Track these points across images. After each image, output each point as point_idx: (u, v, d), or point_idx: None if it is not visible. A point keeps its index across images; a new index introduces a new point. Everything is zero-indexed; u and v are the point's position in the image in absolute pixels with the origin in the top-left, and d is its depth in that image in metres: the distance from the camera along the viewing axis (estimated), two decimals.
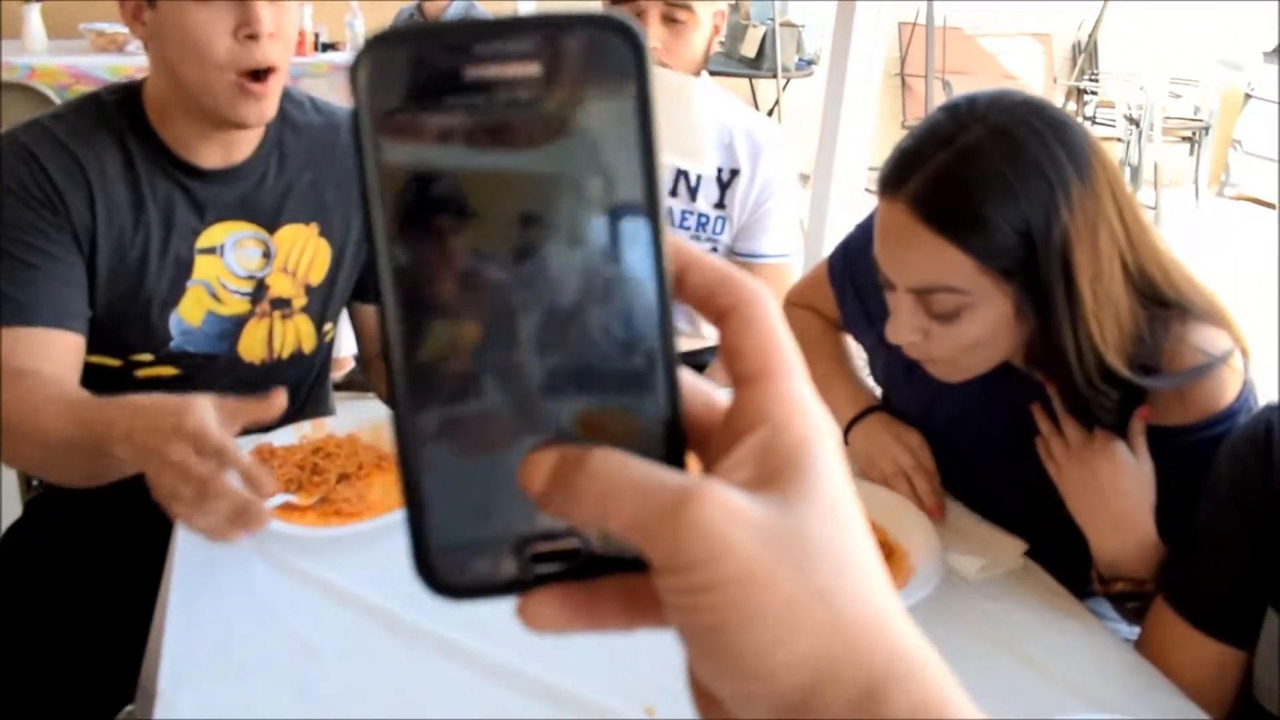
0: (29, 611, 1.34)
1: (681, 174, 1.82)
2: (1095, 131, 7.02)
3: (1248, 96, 8.00)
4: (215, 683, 0.92)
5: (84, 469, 1.14)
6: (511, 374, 0.31)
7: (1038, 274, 1.01)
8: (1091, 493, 1.08)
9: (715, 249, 1.86)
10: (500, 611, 0.93)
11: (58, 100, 3.58)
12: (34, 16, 4.14)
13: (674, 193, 1.84)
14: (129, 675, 1.28)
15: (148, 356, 1.38)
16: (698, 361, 1.94)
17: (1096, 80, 7.67)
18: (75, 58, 4.08)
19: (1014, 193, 0.99)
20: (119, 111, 1.32)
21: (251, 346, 1.43)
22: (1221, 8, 7.25)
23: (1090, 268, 1.01)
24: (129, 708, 1.36)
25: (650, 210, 0.31)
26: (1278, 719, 0.96)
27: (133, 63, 4.08)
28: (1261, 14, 7.03)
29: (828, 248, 2.81)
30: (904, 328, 1.08)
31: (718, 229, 1.85)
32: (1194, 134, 7.66)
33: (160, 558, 1.20)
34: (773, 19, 5.73)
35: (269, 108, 1.30)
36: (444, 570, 0.31)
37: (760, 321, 0.32)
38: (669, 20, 1.70)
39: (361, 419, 1.34)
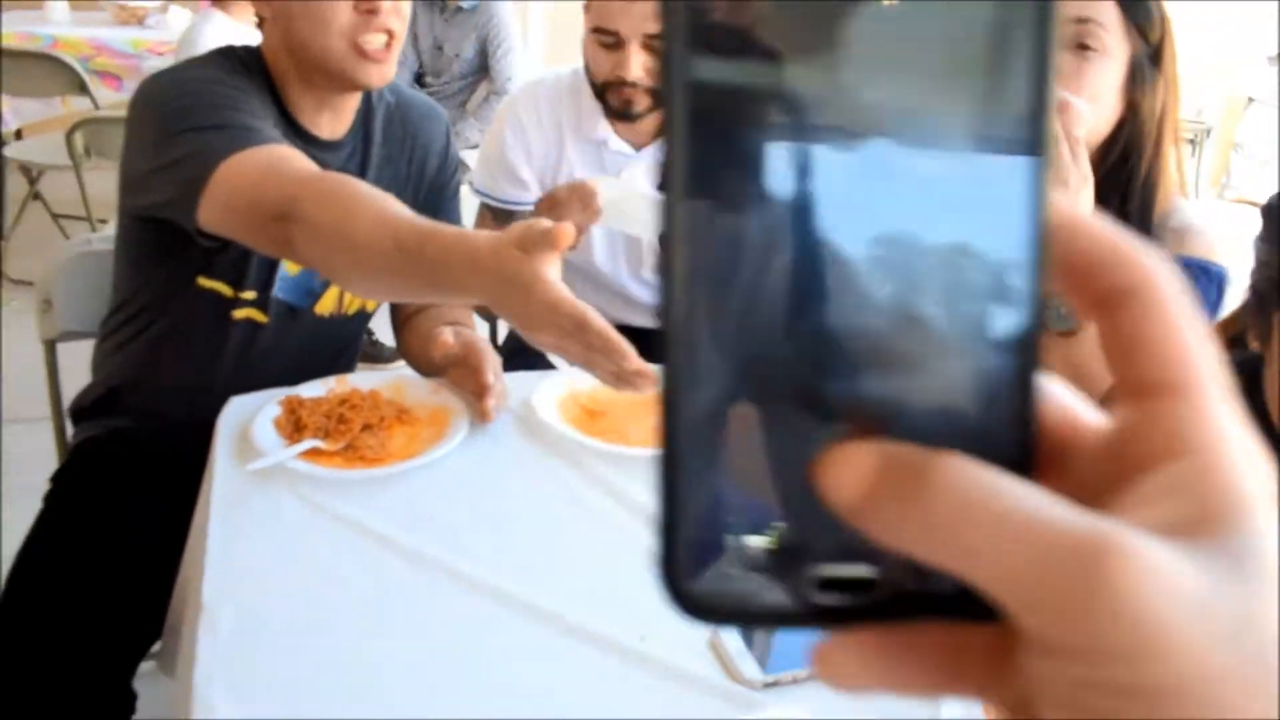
0: (67, 559, 1.43)
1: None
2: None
3: (1250, 100, 8.07)
4: (252, 599, 1.01)
5: (400, 287, 1.16)
6: (824, 337, 0.24)
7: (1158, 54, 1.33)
8: None
9: None
10: (503, 544, 1.05)
11: (83, 71, 3.67)
12: None
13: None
14: (158, 614, 1.39)
15: (252, 295, 1.50)
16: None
17: None
18: (97, 29, 4.16)
19: None
20: (256, 72, 1.45)
21: (327, 303, 1.57)
22: (1223, 9, 7.31)
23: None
24: (158, 645, 1.46)
25: (1036, 143, 0.24)
26: None
27: (153, 36, 4.17)
28: (1263, 17, 7.09)
29: None
30: None
31: None
32: (1196, 137, 7.75)
33: (184, 508, 1.31)
34: None
35: (390, 70, 1.42)
36: (696, 586, 0.25)
37: (1168, 314, 0.24)
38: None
39: (382, 379, 1.44)
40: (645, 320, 2.00)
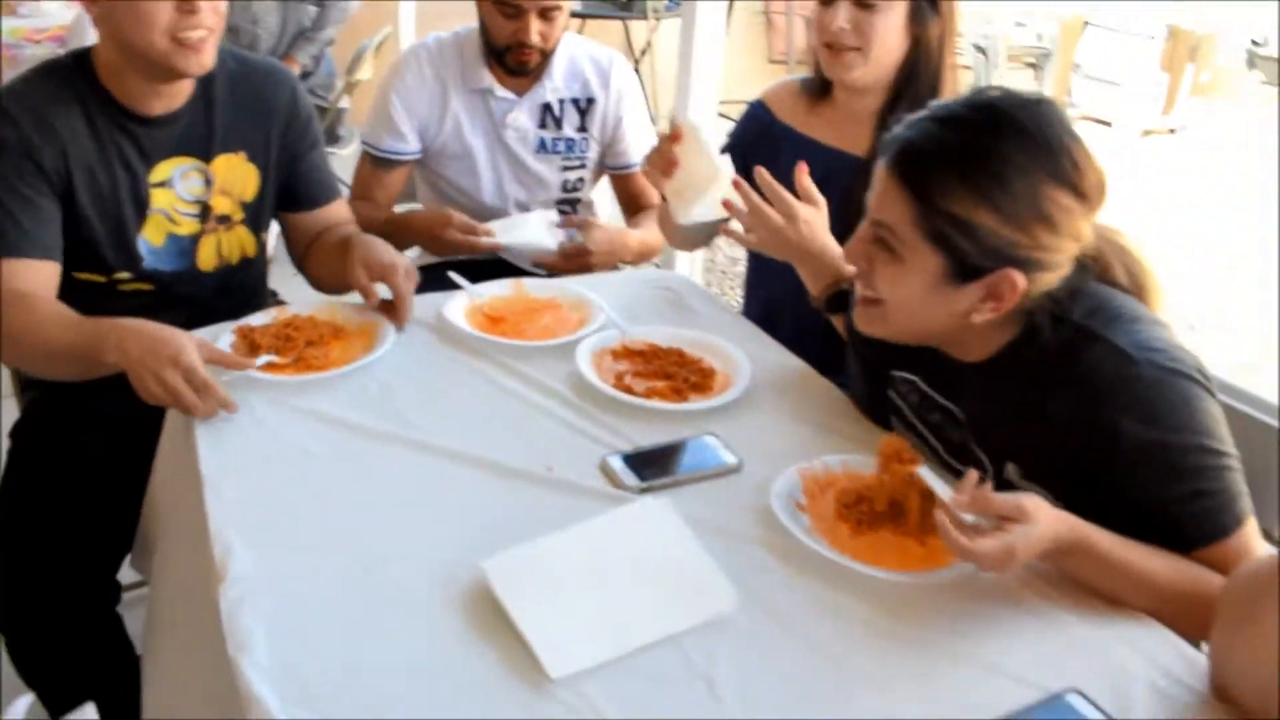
0: (43, 485, 1.68)
1: (546, 107, 2.20)
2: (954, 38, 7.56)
3: (1086, 24, 8.62)
4: (244, 476, 1.30)
5: (77, 371, 1.53)
6: None
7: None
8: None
9: (583, 166, 2.26)
10: (441, 418, 1.42)
11: None
12: None
13: (543, 124, 2.22)
14: (129, 527, 1.66)
15: (126, 275, 1.73)
16: None
17: None
18: None
19: None
20: (77, 74, 1.65)
21: (207, 258, 1.79)
22: None
23: None
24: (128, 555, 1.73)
25: None
26: None
27: (28, 24, 4.25)
28: None
29: None
30: (841, 14, 1.69)
31: (584, 149, 2.25)
32: (1037, 60, 8.28)
33: (149, 434, 1.57)
34: None
35: (208, 59, 1.61)
36: None
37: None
38: None
39: (315, 304, 1.72)
40: None
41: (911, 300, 1.25)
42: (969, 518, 1.11)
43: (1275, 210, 5.14)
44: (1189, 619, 1.14)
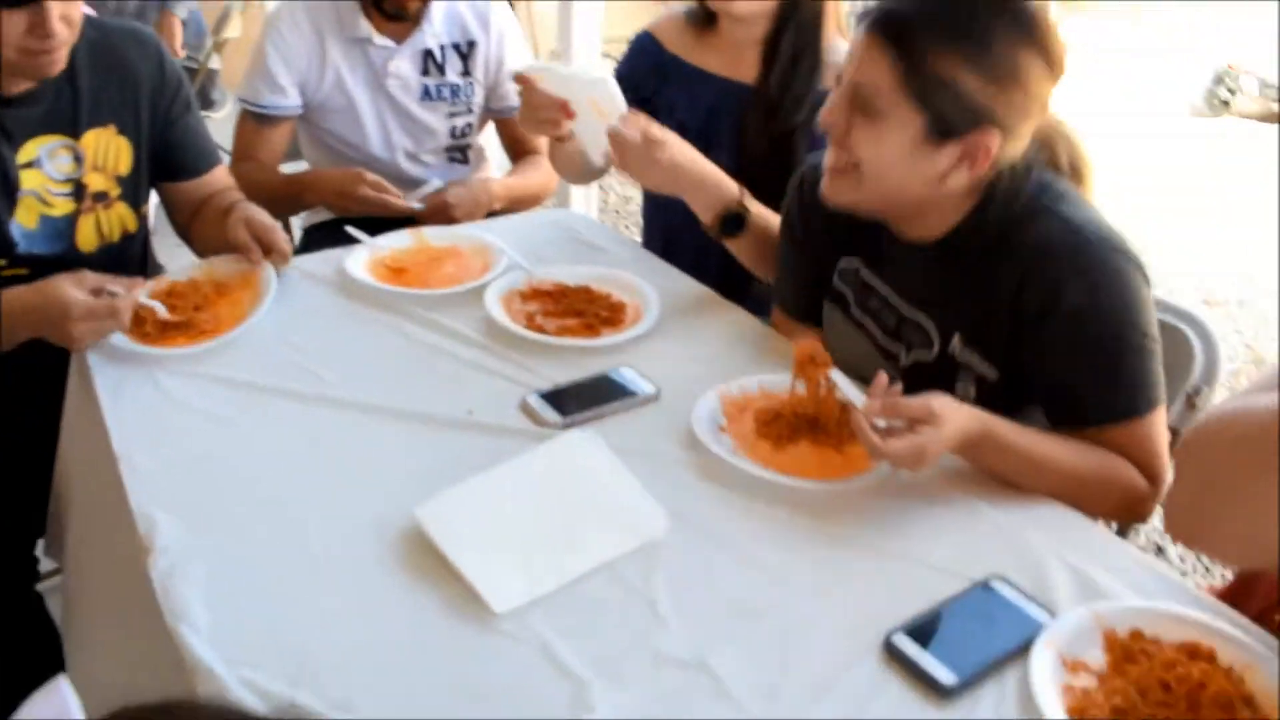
0: None
1: (427, 53, 2.16)
2: None
3: None
4: (158, 448, 1.27)
5: None
6: None
7: None
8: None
9: (470, 111, 2.23)
10: (349, 371, 1.40)
11: None
12: None
13: (425, 71, 2.18)
14: (40, 509, 1.62)
15: (1, 261, 1.65)
16: None
17: None
18: None
19: None
20: None
21: (87, 238, 1.71)
22: None
23: None
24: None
25: None
26: None
27: None
28: None
29: None
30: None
31: (469, 94, 2.22)
32: None
33: (50, 417, 1.54)
34: None
35: (60, 63, 1.54)
36: None
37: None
38: None
39: (191, 266, 1.67)
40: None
41: (890, 160, 1.27)
42: (881, 422, 1.15)
43: None
44: (1092, 498, 1.23)
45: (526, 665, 0.97)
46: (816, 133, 1.52)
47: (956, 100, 1.22)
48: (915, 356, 1.40)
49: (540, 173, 2.27)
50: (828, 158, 1.35)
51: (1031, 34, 1.23)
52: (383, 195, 2.02)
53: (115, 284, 1.42)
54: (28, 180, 1.63)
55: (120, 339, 1.47)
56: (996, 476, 1.24)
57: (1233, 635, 1.02)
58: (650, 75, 1.92)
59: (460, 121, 2.23)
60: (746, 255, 1.67)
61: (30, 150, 1.62)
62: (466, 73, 2.19)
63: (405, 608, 1.03)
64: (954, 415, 1.17)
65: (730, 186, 1.61)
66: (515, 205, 2.21)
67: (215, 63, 4.55)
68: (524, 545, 1.10)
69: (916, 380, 1.31)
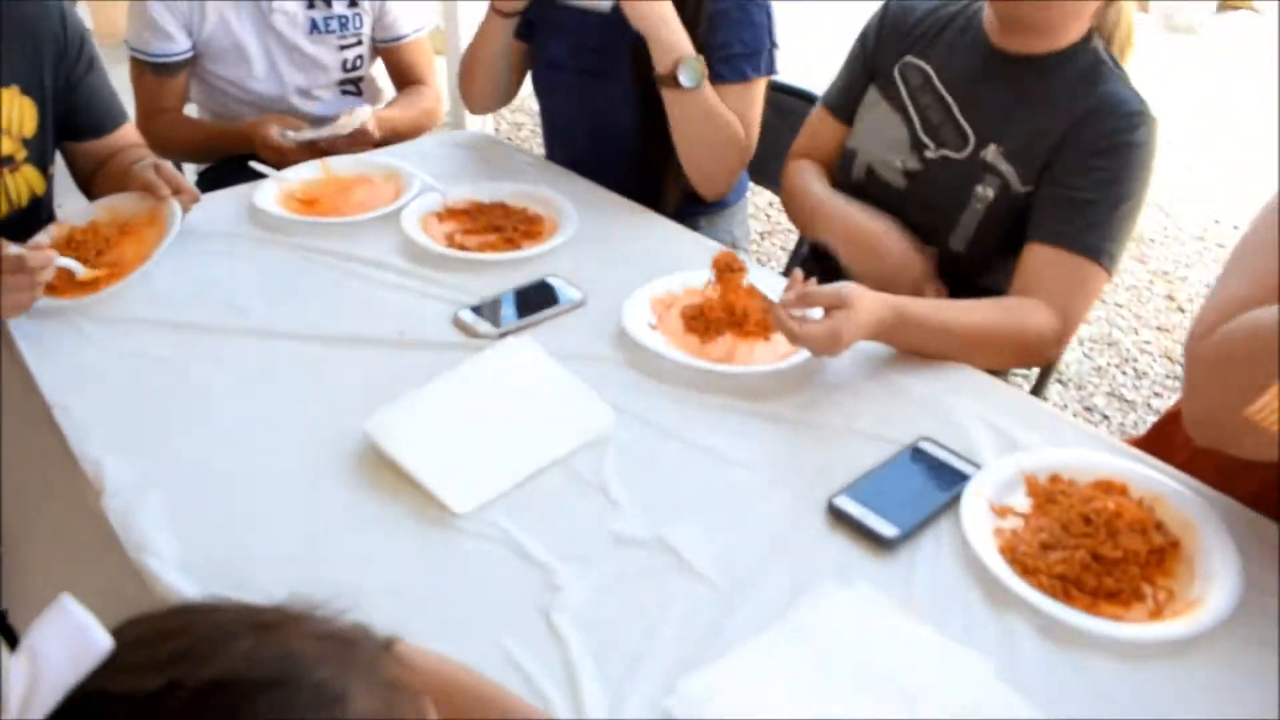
0: None
1: None
2: None
3: None
4: (92, 393, 1.25)
5: None
6: None
7: None
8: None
9: (360, 43, 2.19)
10: (275, 302, 1.39)
11: None
12: None
13: (311, 4, 2.13)
14: None
15: None
16: None
17: None
18: None
19: None
20: None
21: None
22: None
23: None
24: None
25: None
26: None
27: None
28: None
29: (466, 34, 3.15)
30: None
31: (358, 24, 2.18)
32: None
33: None
34: None
35: None
36: None
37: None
38: None
39: (88, 211, 1.63)
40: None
41: None
42: (799, 312, 1.22)
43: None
44: (1002, 349, 1.37)
45: (494, 558, 1.01)
46: (723, 44, 1.63)
47: None
48: (944, 153, 1.52)
49: (424, 102, 2.24)
50: None
51: None
52: (288, 132, 1.97)
53: (18, 248, 1.37)
54: None
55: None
56: (916, 353, 1.31)
57: (1141, 471, 1.11)
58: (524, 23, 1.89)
59: (351, 54, 2.19)
60: (691, 120, 1.69)
61: None
62: (353, 3, 2.15)
63: (372, 518, 1.06)
64: (867, 303, 1.24)
65: (689, 41, 1.65)
66: (394, 137, 2.17)
67: (85, 17, 4.34)
68: (476, 449, 1.13)
69: (937, 171, 1.52)
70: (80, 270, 1.46)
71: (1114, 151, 1.39)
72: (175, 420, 1.21)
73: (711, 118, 1.69)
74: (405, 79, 2.29)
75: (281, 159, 1.91)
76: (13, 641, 1.55)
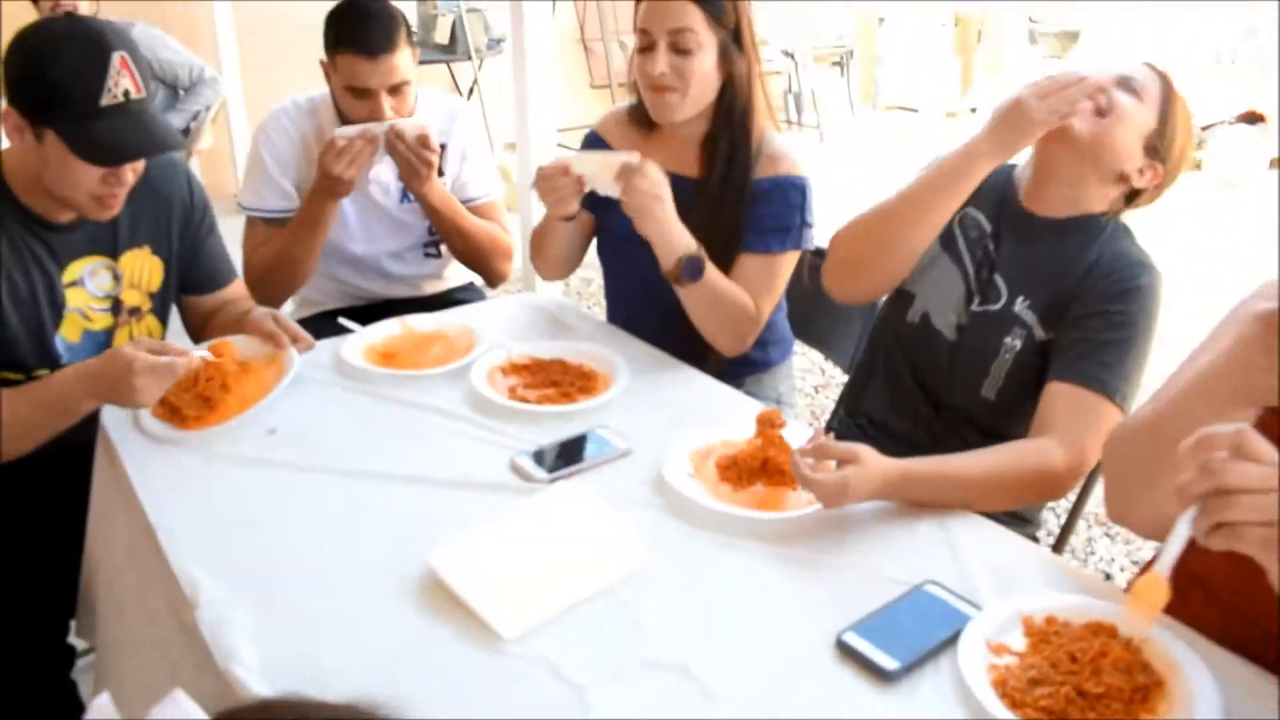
0: None
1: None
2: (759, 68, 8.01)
3: (880, 20, 9.17)
4: (192, 520, 1.43)
5: (45, 435, 1.64)
6: None
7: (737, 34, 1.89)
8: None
9: None
10: (357, 442, 1.58)
11: None
12: None
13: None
14: (69, 593, 1.76)
15: (45, 371, 1.78)
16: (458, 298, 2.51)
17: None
18: None
19: None
20: None
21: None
22: None
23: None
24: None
25: None
26: None
27: None
28: None
29: (534, 196, 3.41)
30: (661, 61, 1.88)
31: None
32: (841, 59, 8.78)
33: (78, 501, 1.69)
34: (459, 6, 6.29)
35: (118, 209, 1.73)
36: None
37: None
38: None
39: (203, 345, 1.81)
40: (402, 292, 2.47)
41: (1121, 144, 1.60)
42: (812, 461, 1.37)
43: None
44: (1010, 493, 1.49)
45: (533, 678, 1.14)
46: (756, 218, 1.81)
47: (1160, 138, 1.60)
48: (986, 306, 1.68)
49: (497, 234, 2.43)
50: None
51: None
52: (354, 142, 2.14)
53: (165, 348, 1.59)
54: (72, 298, 1.80)
55: (153, 423, 1.64)
56: (925, 505, 1.43)
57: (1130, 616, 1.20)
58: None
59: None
60: (698, 303, 1.86)
61: (74, 270, 1.80)
62: (440, 173, 2.39)
63: (428, 640, 1.20)
64: (875, 461, 1.38)
65: (691, 238, 1.82)
66: (457, 237, 2.36)
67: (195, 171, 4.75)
68: (525, 580, 1.27)
69: (978, 326, 1.69)
70: (207, 354, 1.67)
71: (1125, 296, 1.56)
72: (262, 545, 1.38)
73: (718, 300, 1.87)
74: None
75: (344, 161, 2.12)
76: None
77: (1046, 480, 1.48)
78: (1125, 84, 1.60)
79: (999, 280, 1.68)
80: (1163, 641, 1.16)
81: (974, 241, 1.73)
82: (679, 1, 1.87)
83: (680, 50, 1.89)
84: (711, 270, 1.84)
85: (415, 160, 2.16)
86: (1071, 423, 1.49)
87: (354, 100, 2.19)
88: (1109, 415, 1.50)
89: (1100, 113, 1.58)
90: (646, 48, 1.92)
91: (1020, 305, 1.64)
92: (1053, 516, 2.59)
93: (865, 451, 1.37)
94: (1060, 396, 1.52)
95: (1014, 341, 1.64)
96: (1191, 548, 1.21)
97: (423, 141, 2.16)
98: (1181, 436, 0.99)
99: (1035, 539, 1.76)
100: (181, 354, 1.59)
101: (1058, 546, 1.80)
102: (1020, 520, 1.72)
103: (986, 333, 1.67)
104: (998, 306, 1.67)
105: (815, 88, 8.23)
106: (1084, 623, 1.20)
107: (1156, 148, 1.60)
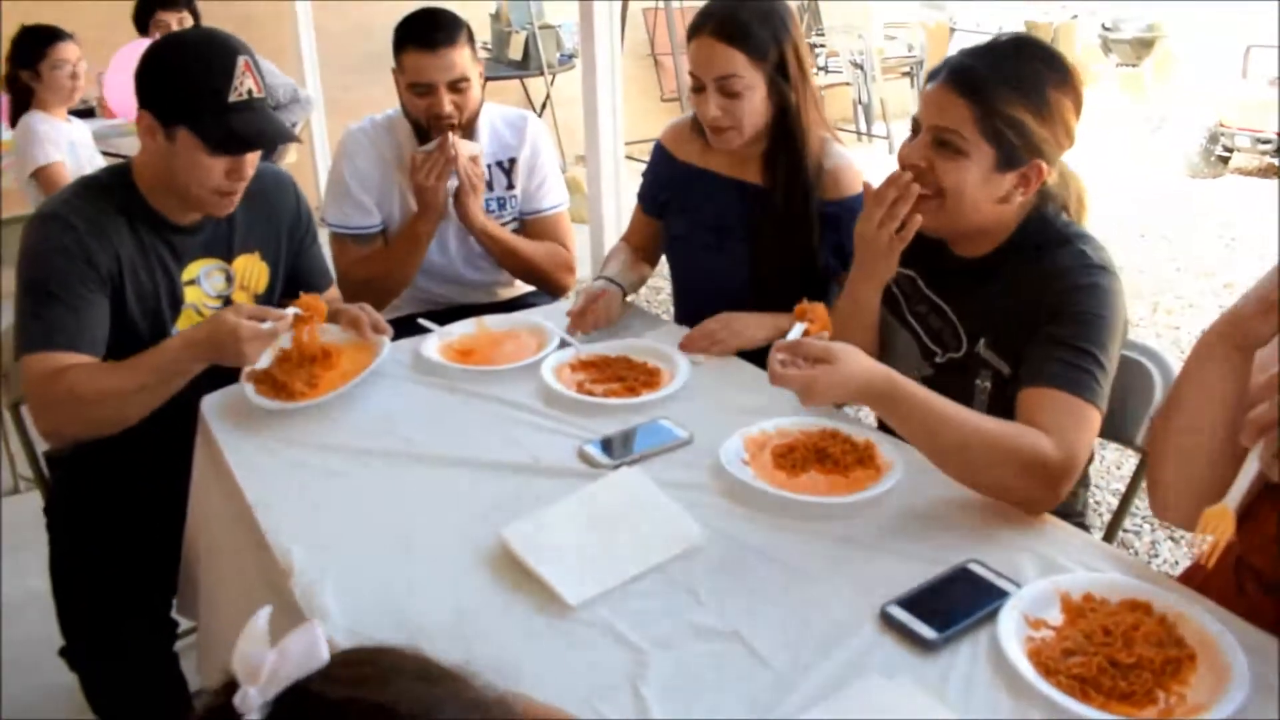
0: (89, 548, 1.90)
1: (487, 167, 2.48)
2: (826, 79, 8.08)
3: (952, 30, 9.16)
4: (285, 498, 1.55)
5: (159, 398, 1.78)
6: None
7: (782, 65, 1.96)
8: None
9: (517, 219, 2.54)
10: (434, 431, 1.70)
11: None
12: None
13: (490, 185, 2.49)
14: (170, 569, 1.90)
15: None
16: (527, 303, 2.62)
17: (822, 35, 8.64)
18: None
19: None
20: (119, 189, 1.88)
21: None
22: None
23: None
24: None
25: None
26: None
27: None
28: None
29: (606, 206, 3.52)
30: (712, 106, 1.96)
31: (514, 204, 2.53)
32: (910, 69, 8.79)
33: (173, 483, 1.83)
34: (531, 23, 6.45)
35: (234, 206, 1.90)
36: None
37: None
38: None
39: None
40: (478, 298, 2.58)
41: (968, 187, 1.56)
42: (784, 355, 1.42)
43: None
44: (998, 461, 1.42)
45: (596, 641, 1.23)
46: (827, 212, 1.94)
47: (1021, 136, 1.53)
48: (949, 356, 1.70)
49: (558, 253, 2.54)
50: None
51: (1067, 83, 1.56)
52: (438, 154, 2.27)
53: (265, 312, 1.74)
54: (189, 295, 1.96)
55: (251, 393, 1.78)
56: (908, 436, 1.47)
57: (1167, 592, 1.26)
58: (669, 181, 2.23)
59: (508, 229, 2.53)
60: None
61: (192, 270, 1.96)
62: (510, 185, 2.51)
63: (500, 605, 1.30)
64: (855, 364, 1.41)
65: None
66: (514, 262, 2.48)
67: None
68: (591, 555, 1.36)
69: (946, 374, 1.68)
70: (298, 311, 1.81)
71: (1082, 291, 1.52)
72: (349, 520, 1.50)
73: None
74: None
75: (424, 171, 2.26)
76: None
77: (1038, 464, 1.40)
78: (940, 147, 1.56)
79: (958, 327, 1.68)
80: (1196, 617, 1.21)
81: (912, 296, 1.76)
82: (721, 47, 1.96)
83: (728, 94, 1.99)
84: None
85: (471, 177, 2.29)
86: (1054, 421, 1.44)
87: (417, 99, 2.30)
88: (1089, 415, 1.47)
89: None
90: (699, 89, 2.02)
91: (981, 347, 1.65)
92: (1098, 519, 2.62)
93: (844, 352, 1.40)
94: (1035, 401, 1.48)
95: (984, 383, 1.65)
96: (1249, 544, 1.27)
97: (474, 162, 2.29)
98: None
99: (1086, 528, 1.80)
100: (279, 317, 1.73)
101: (1108, 536, 1.85)
102: (1064, 515, 1.76)
103: (956, 379, 1.65)
104: (960, 354, 1.68)
105: (884, 98, 8.26)
106: (1120, 599, 1.25)
107: (1012, 158, 1.55)
